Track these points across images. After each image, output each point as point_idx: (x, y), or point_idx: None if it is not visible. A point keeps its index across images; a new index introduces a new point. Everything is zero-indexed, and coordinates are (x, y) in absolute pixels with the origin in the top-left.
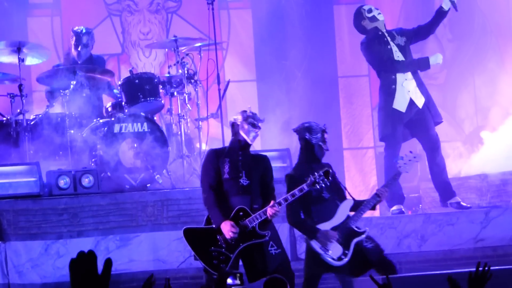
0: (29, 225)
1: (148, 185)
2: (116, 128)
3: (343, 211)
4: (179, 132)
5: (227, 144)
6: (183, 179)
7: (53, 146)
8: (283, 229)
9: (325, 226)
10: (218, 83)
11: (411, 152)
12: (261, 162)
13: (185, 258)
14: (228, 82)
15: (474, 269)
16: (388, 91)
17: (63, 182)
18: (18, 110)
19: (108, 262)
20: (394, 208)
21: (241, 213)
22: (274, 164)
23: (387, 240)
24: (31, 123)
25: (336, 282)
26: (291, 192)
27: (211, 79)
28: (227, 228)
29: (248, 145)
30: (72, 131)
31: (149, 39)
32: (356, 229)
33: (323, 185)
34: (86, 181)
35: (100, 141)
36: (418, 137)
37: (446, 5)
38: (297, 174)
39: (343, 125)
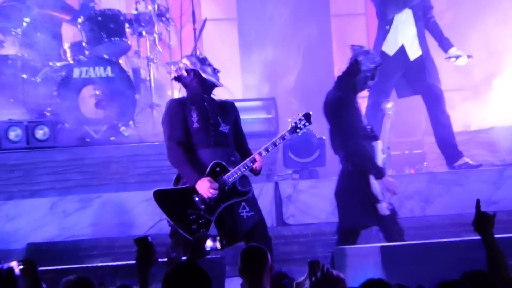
0: None
1: (112, 138)
2: (76, 73)
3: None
4: (148, 78)
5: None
6: (153, 131)
7: (3, 92)
8: (267, 190)
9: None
10: (194, 21)
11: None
12: (230, 109)
13: (154, 222)
14: (205, 20)
15: None
16: (382, 31)
17: (14, 134)
18: None
19: None
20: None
21: (217, 169)
22: (258, 115)
23: None
24: None
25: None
26: (272, 141)
27: (185, 17)
28: (205, 186)
29: (212, 89)
30: (25, 76)
31: None
32: None
33: (305, 129)
34: (41, 133)
35: (57, 87)
36: (416, 88)
37: (452, 53)
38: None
39: (336, 70)
